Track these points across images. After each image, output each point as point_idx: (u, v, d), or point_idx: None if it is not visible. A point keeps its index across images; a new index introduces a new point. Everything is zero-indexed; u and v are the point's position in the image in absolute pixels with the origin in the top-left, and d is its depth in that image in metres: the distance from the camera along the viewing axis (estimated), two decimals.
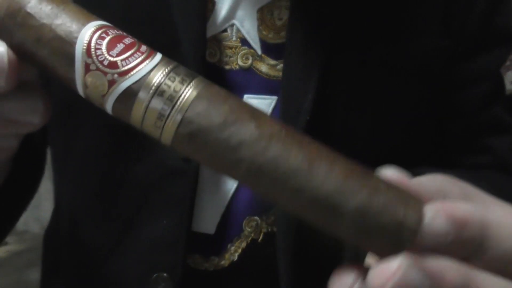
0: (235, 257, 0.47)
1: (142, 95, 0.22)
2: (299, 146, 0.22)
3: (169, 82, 0.22)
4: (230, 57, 0.45)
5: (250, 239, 0.47)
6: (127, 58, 0.23)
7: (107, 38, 0.23)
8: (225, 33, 0.45)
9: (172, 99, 0.22)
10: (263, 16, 0.45)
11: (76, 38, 0.23)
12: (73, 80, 0.23)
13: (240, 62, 0.45)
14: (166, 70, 0.23)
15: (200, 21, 0.43)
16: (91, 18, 0.24)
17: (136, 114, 0.23)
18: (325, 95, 0.44)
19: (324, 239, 0.48)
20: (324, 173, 0.21)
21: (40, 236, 0.64)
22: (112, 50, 0.23)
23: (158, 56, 0.23)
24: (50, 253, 0.59)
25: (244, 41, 0.45)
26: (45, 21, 0.23)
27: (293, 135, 0.23)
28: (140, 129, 0.24)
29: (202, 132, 0.22)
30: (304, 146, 0.22)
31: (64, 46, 0.23)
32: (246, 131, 0.22)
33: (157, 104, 0.22)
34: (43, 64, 0.24)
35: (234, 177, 0.23)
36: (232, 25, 0.45)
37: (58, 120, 0.48)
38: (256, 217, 0.47)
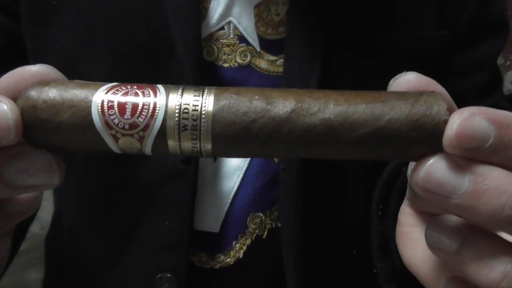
0: (241, 254, 0.47)
1: (170, 125, 0.24)
2: (319, 97, 0.24)
3: (186, 101, 0.24)
4: (228, 54, 0.45)
5: (254, 235, 0.47)
6: (141, 112, 0.24)
7: (115, 104, 0.24)
8: (222, 31, 0.45)
9: (196, 114, 0.24)
10: (260, 12, 0.44)
11: (91, 119, 0.24)
12: (109, 149, 0.24)
13: (238, 60, 0.45)
14: (179, 93, 0.24)
15: (194, 23, 0.43)
16: (96, 86, 0.25)
17: (173, 144, 0.24)
18: (327, 86, 0.43)
19: (329, 232, 0.48)
20: (354, 106, 0.23)
21: (40, 236, 0.63)
22: (125, 113, 0.24)
23: (161, 87, 0.25)
24: (53, 257, 0.58)
25: (241, 38, 0.45)
26: (59, 107, 0.24)
27: (310, 92, 0.24)
28: (181, 155, 0.25)
29: (233, 126, 0.23)
30: (322, 94, 0.24)
31: (86, 128, 0.24)
32: (271, 107, 0.24)
33: (186, 123, 0.24)
34: (78, 147, 0.25)
35: (280, 151, 0.24)
36: (229, 22, 0.44)
37: None
38: (260, 214, 0.47)
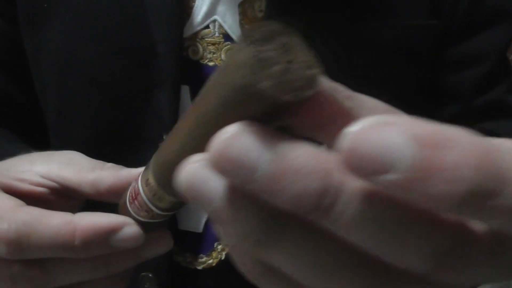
0: (223, 256, 0.47)
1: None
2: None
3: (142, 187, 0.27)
4: (214, 53, 0.45)
5: None
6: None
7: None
8: (207, 30, 0.45)
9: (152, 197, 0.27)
10: (245, 9, 0.44)
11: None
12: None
13: (224, 58, 0.45)
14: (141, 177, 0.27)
15: (175, 21, 0.43)
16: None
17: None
18: None
19: None
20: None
21: None
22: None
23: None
24: None
25: (227, 37, 0.45)
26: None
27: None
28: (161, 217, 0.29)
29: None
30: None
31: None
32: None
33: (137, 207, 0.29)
34: None
35: None
36: (214, 21, 0.44)
37: (54, 128, 0.49)
38: None
